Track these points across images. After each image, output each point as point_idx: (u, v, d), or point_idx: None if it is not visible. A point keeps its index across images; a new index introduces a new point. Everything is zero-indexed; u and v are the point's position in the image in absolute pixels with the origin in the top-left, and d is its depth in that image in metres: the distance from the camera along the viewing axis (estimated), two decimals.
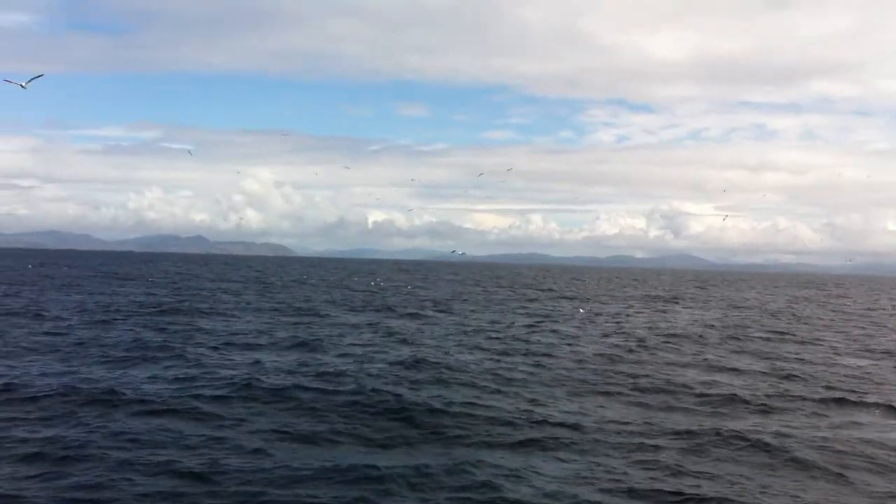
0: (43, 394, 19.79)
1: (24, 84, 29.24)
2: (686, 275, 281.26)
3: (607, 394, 23.30)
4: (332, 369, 25.08)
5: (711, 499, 13.74)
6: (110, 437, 16.11)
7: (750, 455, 16.57)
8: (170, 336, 33.34)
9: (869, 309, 76.85)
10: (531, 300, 73.41)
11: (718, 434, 17.97)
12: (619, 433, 18.30)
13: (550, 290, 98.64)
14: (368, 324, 42.58)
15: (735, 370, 28.50)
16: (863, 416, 21.13)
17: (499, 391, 22.77)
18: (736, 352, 34.65)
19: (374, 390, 21.40)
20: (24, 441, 15.63)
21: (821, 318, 59.67)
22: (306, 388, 21.58)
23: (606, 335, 40.09)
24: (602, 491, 14.13)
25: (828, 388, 25.10)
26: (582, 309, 59.97)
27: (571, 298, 78.09)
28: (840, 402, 22.79)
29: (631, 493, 14.09)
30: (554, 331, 41.53)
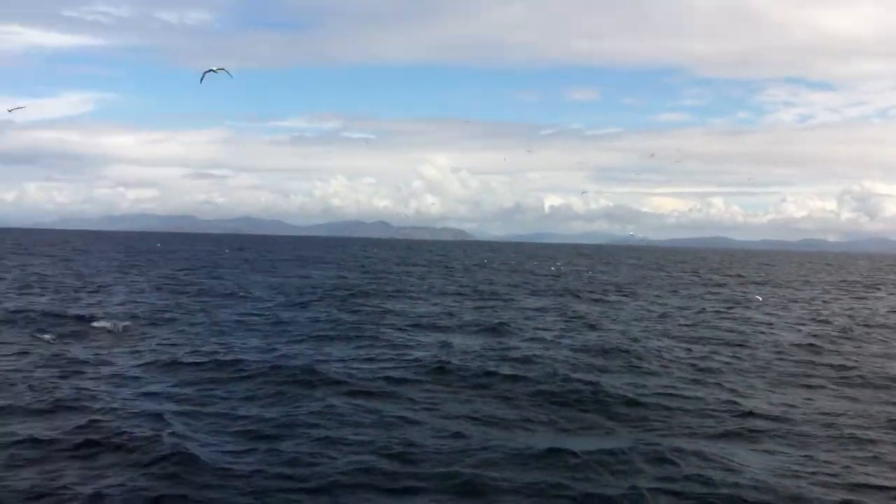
0: (251, 371, 20.90)
1: (218, 70, 30.07)
2: (885, 259, 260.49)
3: (811, 386, 21.85)
4: (520, 354, 24.99)
5: None
6: (312, 415, 16.70)
7: None
8: (362, 317, 34.50)
9: None
10: (718, 285, 70.43)
11: None
12: (829, 426, 17.11)
13: (739, 275, 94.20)
14: (553, 308, 42.26)
15: None
16: None
17: (695, 381, 21.81)
18: None
19: (565, 377, 21.09)
20: (233, 416, 16.52)
21: None
22: (495, 373, 21.56)
23: (803, 323, 37.79)
24: (821, 485, 13.18)
25: None
26: (774, 296, 56.82)
27: (761, 284, 74.20)
28: None
29: (853, 488, 13.10)
30: (746, 318, 39.52)
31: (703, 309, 44.15)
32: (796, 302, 52.07)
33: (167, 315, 33.11)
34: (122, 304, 37.09)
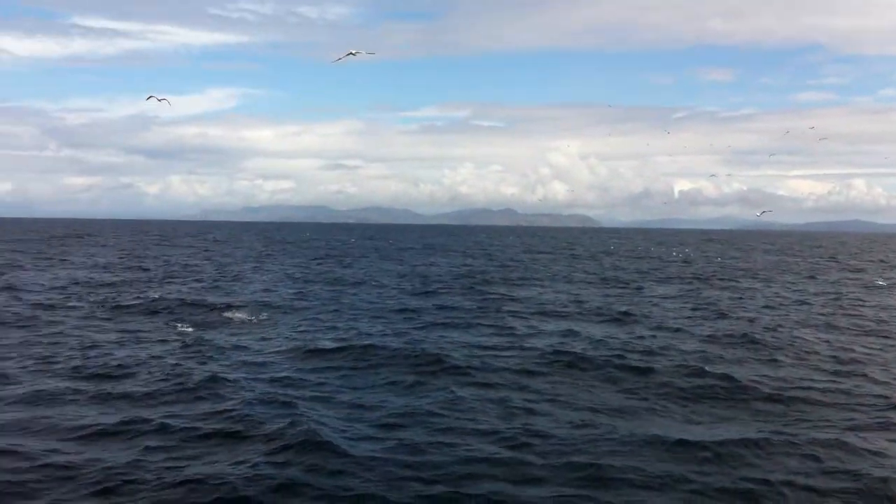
0: (378, 359, 21.32)
1: (363, 52, 30.37)
2: None
3: None
4: (647, 344, 24.47)
5: None
6: (436, 403, 16.85)
7: None
8: (486, 305, 34.65)
9: None
10: (857, 270, 66.83)
11: None
12: None
13: (882, 260, 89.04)
14: (681, 295, 41.19)
15: None
16: None
17: (836, 372, 20.70)
18: None
19: (694, 368, 20.50)
20: (360, 404, 16.86)
21: None
22: (621, 363, 21.15)
23: None
24: None
25: None
26: None
27: None
28: None
29: None
30: (887, 305, 37.40)
31: (840, 295, 42.00)
32: None
33: (300, 303, 34.28)
34: (257, 292, 38.65)
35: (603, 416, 16.19)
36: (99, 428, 14.51)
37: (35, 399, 16.55)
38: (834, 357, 22.86)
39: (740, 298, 40.00)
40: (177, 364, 19.97)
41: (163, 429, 14.47)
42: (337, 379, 19.16)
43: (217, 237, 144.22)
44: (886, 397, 17.89)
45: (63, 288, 38.67)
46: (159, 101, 33.48)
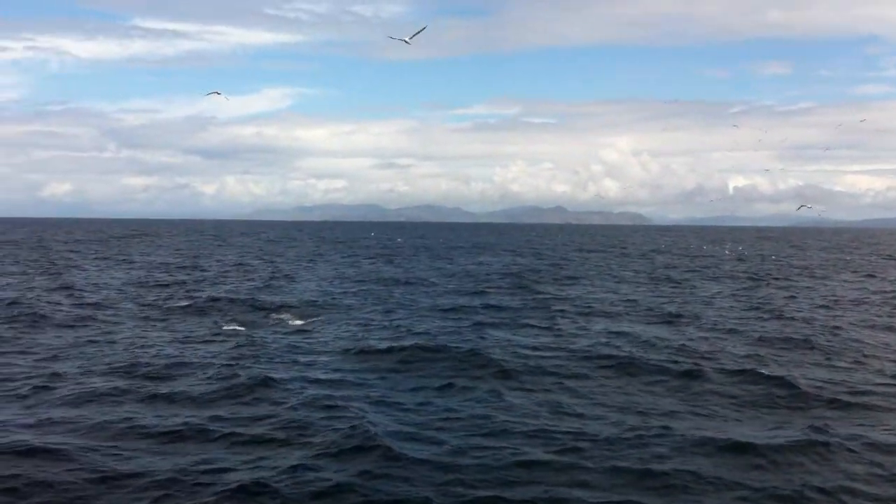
0: (427, 358, 21.35)
1: (407, 39, 30.39)
2: None
3: None
4: (698, 344, 24.09)
5: None
6: (483, 404, 16.83)
7: None
8: (536, 304, 34.46)
9: None
10: None
11: None
12: None
13: None
14: (734, 294, 40.49)
15: None
16: None
17: None
18: None
19: (745, 370, 20.10)
20: (406, 405, 16.86)
21: None
22: (672, 364, 20.82)
23: None
24: None
25: None
26: None
27: None
28: None
29: None
30: None
31: None
32: None
33: (349, 302, 34.51)
34: (308, 291, 39.00)
35: (653, 419, 15.94)
36: (144, 431, 14.60)
37: (84, 398, 16.84)
38: (895, 360, 22.22)
39: (796, 297, 39.17)
40: (227, 365, 20.14)
41: (211, 432, 14.55)
42: (386, 380, 19.18)
43: (270, 237, 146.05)
44: None
45: (119, 288, 39.45)
46: (219, 95, 34.10)
